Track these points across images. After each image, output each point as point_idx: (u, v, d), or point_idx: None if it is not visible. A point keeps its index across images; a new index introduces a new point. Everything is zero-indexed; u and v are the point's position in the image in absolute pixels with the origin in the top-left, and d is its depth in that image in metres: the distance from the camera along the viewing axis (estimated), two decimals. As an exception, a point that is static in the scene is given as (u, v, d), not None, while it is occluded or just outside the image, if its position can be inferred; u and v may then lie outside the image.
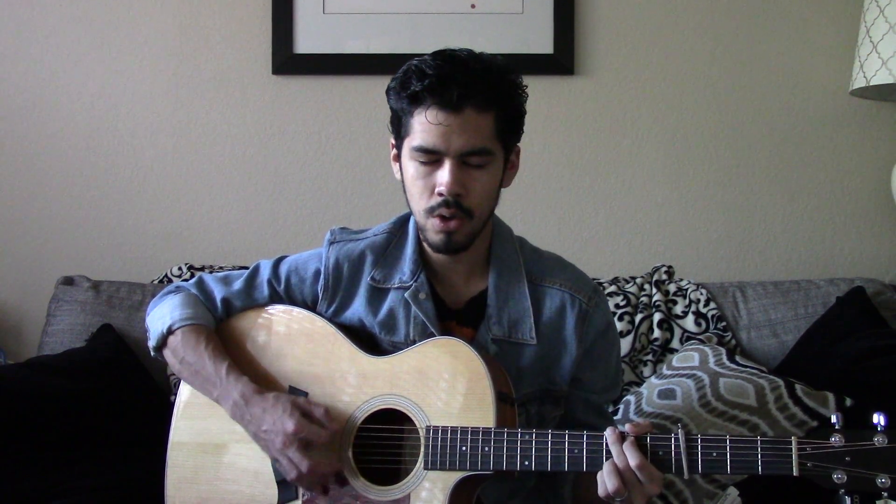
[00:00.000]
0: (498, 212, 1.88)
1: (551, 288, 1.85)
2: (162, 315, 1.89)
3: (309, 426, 1.70)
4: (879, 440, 1.44)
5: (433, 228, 1.74)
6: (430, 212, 1.73)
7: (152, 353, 1.92)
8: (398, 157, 1.80)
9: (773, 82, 2.96)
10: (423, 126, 1.69)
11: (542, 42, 2.94)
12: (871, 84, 2.66)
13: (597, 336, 1.86)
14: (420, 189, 1.73)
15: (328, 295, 1.89)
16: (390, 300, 1.85)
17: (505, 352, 1.78)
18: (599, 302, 1.88)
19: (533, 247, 1.93)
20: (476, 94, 1.67)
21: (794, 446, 1.48)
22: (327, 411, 1.73)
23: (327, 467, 1.71)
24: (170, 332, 1.86)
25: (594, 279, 2.70)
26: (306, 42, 2.96)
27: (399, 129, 1.76)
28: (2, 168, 3.01)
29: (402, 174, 1.80)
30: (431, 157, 1.70)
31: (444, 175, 1.69)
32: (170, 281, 2.73)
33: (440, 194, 1.70)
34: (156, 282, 2.79)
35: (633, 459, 1.55)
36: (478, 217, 1.74)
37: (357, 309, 1.87)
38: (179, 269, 2.79)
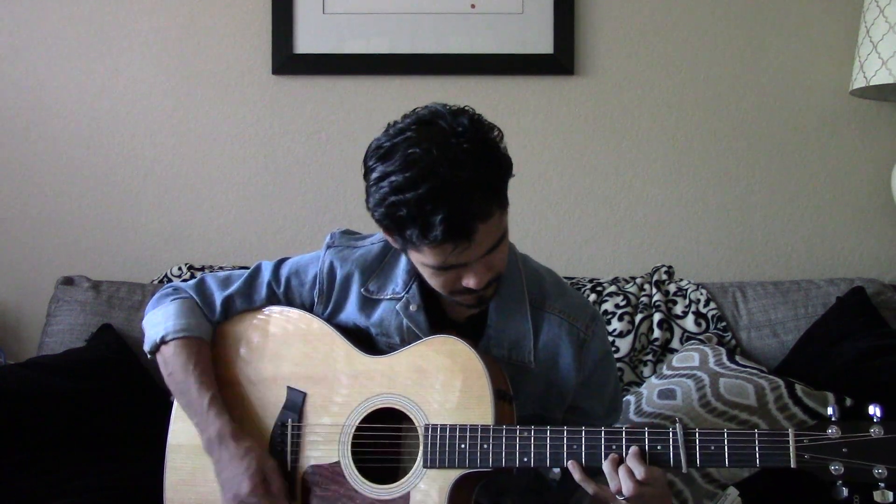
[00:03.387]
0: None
1: (550, 314, 1.83)
2: (156, 322, 1.89)
3: (263, 498, 1.72)
4: (875, 431, 1.44)
5: (464, 302, 1.72)
6: (458, 294, 1.69)
7: (148, 356, 1.93)
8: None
9: (773, 82, 2.96)
10: (441, 258, 1.60)
11: (542, 42, 2.95)
12: (871, 84, 2.66)
13: (594, 365, 1.86)
14: (440, 284, 1.68)
15: (323, 298, 1.89)
16: (382, 310, 1.84)
17: None
18: (597, 330, 1.86)
19: (535, 266, 1.91)
20: (481, 210, 1.57)
21: (791, 438, 1.48)
22: (285, 489, 1.75)
23: None
24: (163, 341, 1.87)
25: (594, 279, 2.72)
26: (306, 42, 2.96)
27: (394, 236, 1.65)
28: (2, 168, 3.01)
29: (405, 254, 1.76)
30: (450, 269, 1.64)
31: (470, 278, 1.63)
32: (170, 281, 2.73)
33: (469, 286, 1.65)
34: (156, 282, 2.79)
35: (639, 473, 1.55)
36: (503, 273, 1.73)
37: (351, 314, 1.86)
38: (179, 269, 2.80)
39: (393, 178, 1.55)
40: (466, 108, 1.63)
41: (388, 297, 1.84)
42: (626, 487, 1.55)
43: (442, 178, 1.53)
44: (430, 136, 1.57)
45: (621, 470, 1.55)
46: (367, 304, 1.85)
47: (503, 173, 1.63)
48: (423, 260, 1.63)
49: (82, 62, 3.00)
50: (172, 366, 1.86)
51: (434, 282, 1.68)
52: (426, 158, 1.54)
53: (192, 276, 2.68)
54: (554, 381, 1.82)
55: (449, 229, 1.53)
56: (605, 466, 1.58)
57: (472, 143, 1.57)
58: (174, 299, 1.92)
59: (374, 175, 1.59)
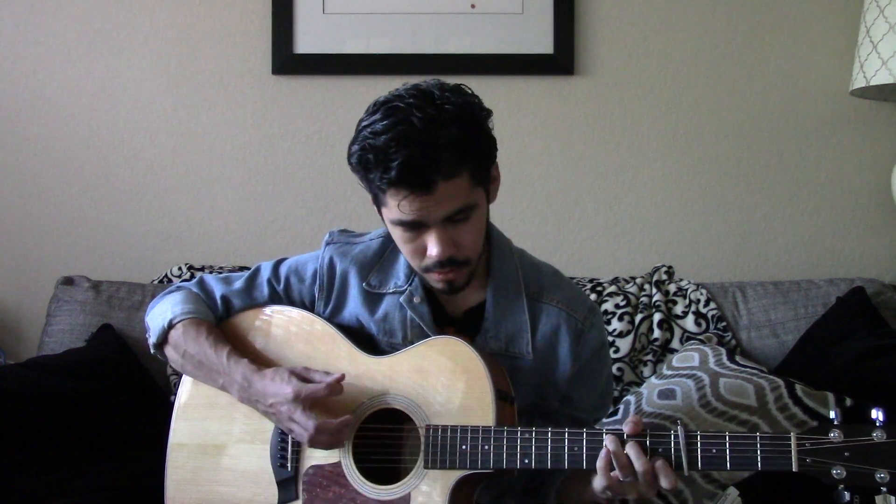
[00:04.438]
0: (498, 211, 1.88)
1: (548, 305, 1.85)
2: (163, 312, 1.89)
3: (306, 386, 1.70)
4: (878, 435, 1.44)
5: (433, 280, 1.74)
6: (426, 269, 1.72)
7: (152, 351, 1.91)
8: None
9: (773, 82, 2.96)
10: (397, 206, 1.63)
11: (542, 42, 2.94)
12: (871, 84, 2.66)
13: (590, 355, 1.86)
14: (410, 251, 1.72)
15: (324, 295, 1.89)
16: (386, 304, 1.85)
17: None
18: (595, 322, 1.87)
19: (532, 260, 1.92)
20: (445, 166, 1.60)
21: (793, 442, 1.48)
22: (325, 372, 1.73)
23: (336, 423, 1.70)
24: (170, 326, 1.86)
25: (594, 279, 2.72)
26: (306, 42, 2.96)
27: (369, 192, 1.71)
28: (2, 168, 3.01)
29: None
30: (413, 226, 1.67)
31: (431, 244, 1.66)
32: (170, 281, 2.74)
33: (430, 258, 1.68)
34: (156, 282, 2.79)
35: (638, 464, 1.55)
36: (474, 259, 1.73)
37: (354, 310, 1.87)
38: (179, 269, 2.80)
39: (372, 126, 1.62)
40: (463, 85, 1.69)
41: (391, 290, 1.85)
42: (649, 492, 1.56)
43: (413, 126, 1.59)
44: (418, 95, 1.63)
45: (644, 476, 1.55)
46: (370, 298, 1.86)
47: (481, 143, 1.67)
48: (389, 215, 1.68)
49: (82, 62, 3.00)
50: (184, 344, 1.84)
51: (404, 249, 1.72)
52: (406, 110, 1.60)
53: (192, 277, 2.68)
54: (551, 371, 1.83)
55: (405, 172, 1.58)
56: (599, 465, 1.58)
57: (455, 107, 1.62)
58: (177, 292, 1.93)
59: (359, 126, 1.66)
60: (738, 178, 2.97)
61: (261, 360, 1.86)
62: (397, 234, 1.71)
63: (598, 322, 1.90)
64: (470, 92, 1.68)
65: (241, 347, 1.88)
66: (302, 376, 1.74)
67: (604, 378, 1.94)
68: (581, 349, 1.84)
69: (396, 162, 1.57)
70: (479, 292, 1.84)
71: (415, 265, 1.74)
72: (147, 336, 1.93)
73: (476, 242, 1.72)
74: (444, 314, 1.85)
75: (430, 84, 1.67)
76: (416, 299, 1.82)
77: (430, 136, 1.59)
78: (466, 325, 1.83)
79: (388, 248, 1.88)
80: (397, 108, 1.61)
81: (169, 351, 1.88)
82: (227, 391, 1.81)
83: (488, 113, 1.69)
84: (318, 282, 1.89)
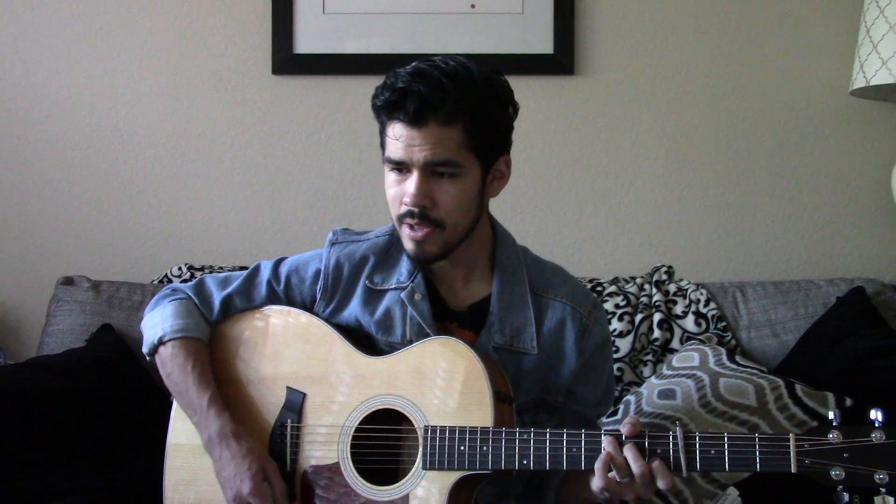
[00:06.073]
0: (498, 211, 1.88)
1: (553, 300, 1.85)
2: (154, 324, 1.89)
3: (261, 495, 1.72)
4: (877, 436, 1.44)
5: (405, 236, 1.76)
6: (400, 220, 1.74)
7: (147, 359, 1.93)
8: None
9: (773, 82, 2.96)
10: (390, 139, 1.70)
11: (542, 42, 2.94)
12: (871, 84, 2.66)
13: (594, 350, 1.87)
14: (392, 197, 1.75)
15: (326, 295, 1.89)
16: (387, 301, 1.85)
17: (505, 360, 1.78)
18: (599, 317, 1.88)
19: (536, 257, 1.94)
20: (438, 107, 1.65)
21: (792, 443, 1.48)
22: (285, 492, 1.74)
23: None
24: (161, 342, 1.87)
25: (594, 279, 2.72)
26: (306, 42, 2.96)
27: (380, 138, 1.78)
28: (2, 168, 3.01)
29: None
30: (400, 167, 1.71)
31: (409, 186, 1.70)
32: (170, 281, 2.74)
33: (405, 204, 1.71)
34: (156, 282, 2.79)
35: (635, 466, 1.55)
36: (450, 228, 1.73)
37: (354, 309, 1.87)
38: (179, 269, 2.79)
39: (393, 72, 1.71)
40: (503, 77, 1.77)
41: (393, 286, 1.85)
42: (646, 494, 1.56)
43: (434, 68, 1.67)
44: (457, 57, 1.73)
45: (641, 478, 1.55)
46: (372, 297, 1.86)
47: (490, 112, 1.72)
48: (385, 152, 1.73)
49: (82, 62, 3.00)
50: (170, 366, 1.86)
51: (389, 194, 1.75)
52: (434, 61, 1.70)
53: (192, 276, 2.68)
54: (556, 366, 1.83)
55: (404, 96, 1.64)
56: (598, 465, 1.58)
57: (481, 75, 1.70)
58: (172, 300, 1.92)
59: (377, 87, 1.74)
60: (738, 177, 2.97)
61: (259, 364, 1.87)
62: (387, 178, 1.75)
63: (602, 317, 1.91)
64: (504, 81, 1.75)
65: (239, 350, 1.89)
66: (268, 477, 1.74)
67: (606, 373, 1.94)
68: (586, 344, 1.84)
69: (400, 86, 1.65)
70: (484, 286, 1.85)
71: (392, 214, 1.77)
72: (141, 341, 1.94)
73: (455, 209, 1.72)
74: (447, 310, 1.85)
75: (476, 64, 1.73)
76: (418, 296, 1.82)
77: (440, 81, 1.65)
78: (471, 320, 1.83)
79: (392, 246, 1.89)
80: (423, 60, 1.71)
81: (158, 364, 1.90)
82: (197, 431, 1.83)
83: (514, 104, 1.76)
84: (320, 281, 1.89)
